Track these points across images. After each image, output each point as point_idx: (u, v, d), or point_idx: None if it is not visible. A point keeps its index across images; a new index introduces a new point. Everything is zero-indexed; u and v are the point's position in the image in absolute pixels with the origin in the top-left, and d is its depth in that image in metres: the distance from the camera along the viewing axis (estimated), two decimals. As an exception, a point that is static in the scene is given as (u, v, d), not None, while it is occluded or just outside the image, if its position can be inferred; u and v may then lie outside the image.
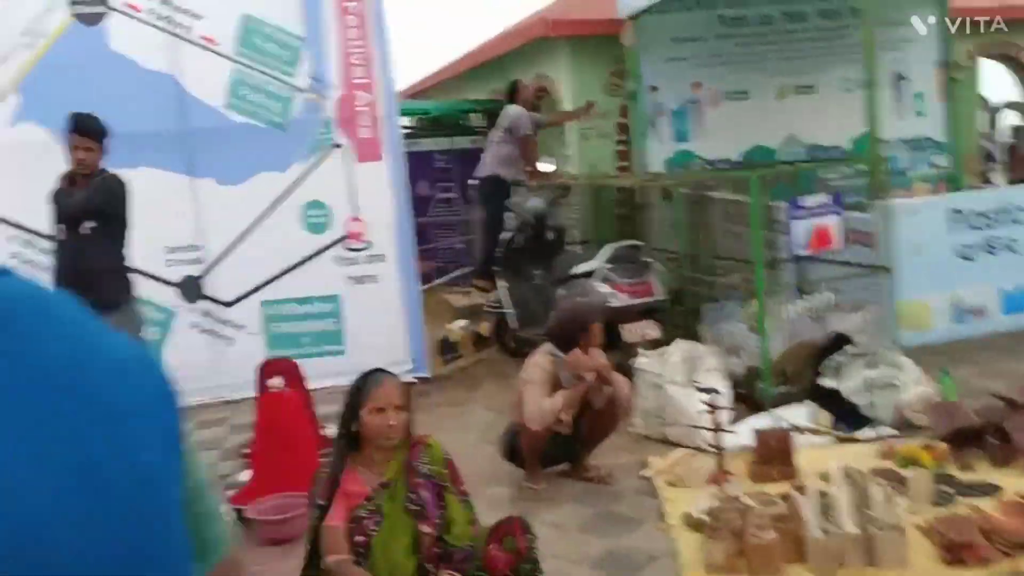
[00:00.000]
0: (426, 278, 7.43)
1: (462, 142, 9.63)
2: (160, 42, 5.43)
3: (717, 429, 3.65)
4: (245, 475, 4.03)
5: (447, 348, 6.06)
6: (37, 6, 5.26)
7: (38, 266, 5.26)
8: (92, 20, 5.35)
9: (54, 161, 5.24)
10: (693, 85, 7.53)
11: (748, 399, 4.69)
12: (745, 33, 7.54)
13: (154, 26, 5.42)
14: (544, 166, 7.58)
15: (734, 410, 4.35)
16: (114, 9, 5.36)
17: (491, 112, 9.94)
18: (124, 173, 4.65)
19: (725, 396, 4.23)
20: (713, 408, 3.66)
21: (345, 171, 5.72)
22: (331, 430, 3.45)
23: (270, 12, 5.57)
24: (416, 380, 5.52)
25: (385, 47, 5.72)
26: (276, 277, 5.69)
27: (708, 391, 3.79)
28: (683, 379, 4.44)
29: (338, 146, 5.71)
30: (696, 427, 3.93)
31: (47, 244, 5.27)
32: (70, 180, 4.32)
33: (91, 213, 4.19)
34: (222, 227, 5.58)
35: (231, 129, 5.55)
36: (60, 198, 4.30)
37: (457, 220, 9.42)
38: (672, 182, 6.92)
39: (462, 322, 6.51)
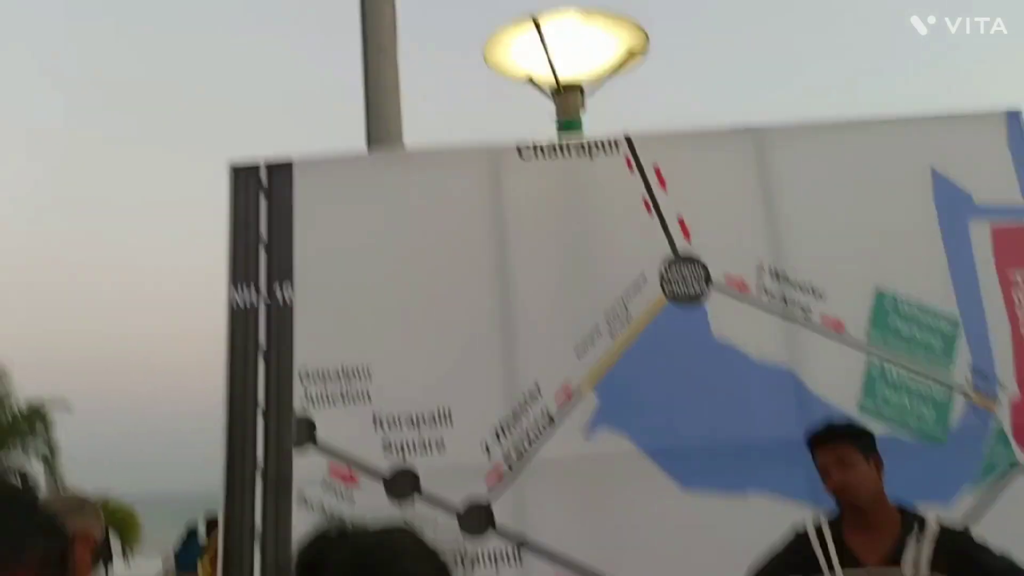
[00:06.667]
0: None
1: None
2: (774, 328, 4.14)
3: None
4: None
5: None
6: (624, 282, 4.20)
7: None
8: (690, 301, 4.20)
9: (641, 484, 3.88)
10: None
11: None
12: None
13: (765, 308, 4.17)
14: None
15: None
16: (716, 289, 4.20)
17: None
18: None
19: None
20: None
21: (1033, 505, 3.88)
22: None
23: (910, 285, 4.17)
24: None
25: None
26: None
27: None
28: None
29: (1018, 466, 3.93)
30: None
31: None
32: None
33: None
34: None
35: (870, 442, 3.96)
36: None
37: None
38: None
39: None
